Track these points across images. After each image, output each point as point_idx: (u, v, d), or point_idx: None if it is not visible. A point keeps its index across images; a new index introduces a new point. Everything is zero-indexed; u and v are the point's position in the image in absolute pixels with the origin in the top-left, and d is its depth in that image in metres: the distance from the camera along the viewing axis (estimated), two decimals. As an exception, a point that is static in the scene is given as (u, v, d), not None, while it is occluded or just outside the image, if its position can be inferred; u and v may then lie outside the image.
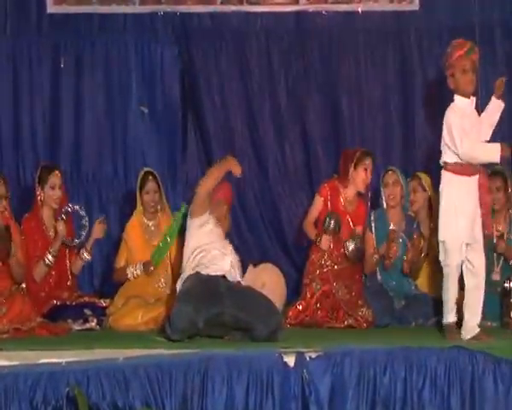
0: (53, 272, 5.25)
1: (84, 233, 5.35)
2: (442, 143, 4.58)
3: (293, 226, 6.31)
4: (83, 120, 6.35)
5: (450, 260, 4.53)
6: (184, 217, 5.15)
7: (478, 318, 4.57)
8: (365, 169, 5.39)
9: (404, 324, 5.17)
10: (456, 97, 4.58)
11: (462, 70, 4.53)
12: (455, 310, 4.58)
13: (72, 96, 6.34)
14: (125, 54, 6.37)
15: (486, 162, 4.61)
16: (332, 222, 5.26)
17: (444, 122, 4.58)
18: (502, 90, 4.66)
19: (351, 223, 5.45)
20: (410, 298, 5.31)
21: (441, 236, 4.58)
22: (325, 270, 5.32)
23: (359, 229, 5.43)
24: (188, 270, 4.82)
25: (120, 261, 5.49)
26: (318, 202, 5.42)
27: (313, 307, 5.22)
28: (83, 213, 5.36)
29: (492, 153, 4.51)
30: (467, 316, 4.55)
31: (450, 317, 4.58)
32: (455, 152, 4.50)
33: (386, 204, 5.52)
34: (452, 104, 4.60)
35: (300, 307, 5.23)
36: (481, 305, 4.59)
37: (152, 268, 5.38)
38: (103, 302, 5.29)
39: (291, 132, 6.46)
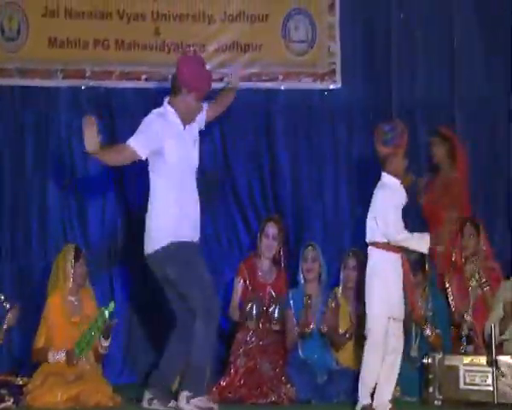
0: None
1: (5, 327, 5.12)
2: (372, 222, 4.56)
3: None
4: (1, 192, 6.26)
5: (377, 334, 4.51)
6: (110, 315, 5.04)
7: (390, 394, 4.57)
8: (266, 236, 5.49)
9: (327, 399, 5.13)
10: (389, 177, 4.57)
11: (404, 153, 4.60)
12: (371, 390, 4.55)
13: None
14: (46, 128, 6.32)
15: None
16: (254, 308, 5.33)
17: (375, 200, 4.57)
18: (407, 184, 4.81)
19: (273, 293, 5.49)
20: (332, 373, 5.30)
21: (371, 309, 4.53)
22: (250, 346, 5.33)
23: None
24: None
25: (40, 341, 5.24)
26: (238, 284, 5.50)
27: (237, 383, 5.18)
28: (6, 304, 5.18)
29: (421, 244, 4.58)
30: (380, 391, 4.55)
31: (366, 398, 4.54)
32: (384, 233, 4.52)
33: (304, 278, 5.56)
34: (387, 183, 4.58)
35: (224, 384, 5.18)
36: (395, 382, 4.60)
37: (75, 361, 5.14)
38: (20, 381, 5.12)
39: (220, 200, 6.46)
